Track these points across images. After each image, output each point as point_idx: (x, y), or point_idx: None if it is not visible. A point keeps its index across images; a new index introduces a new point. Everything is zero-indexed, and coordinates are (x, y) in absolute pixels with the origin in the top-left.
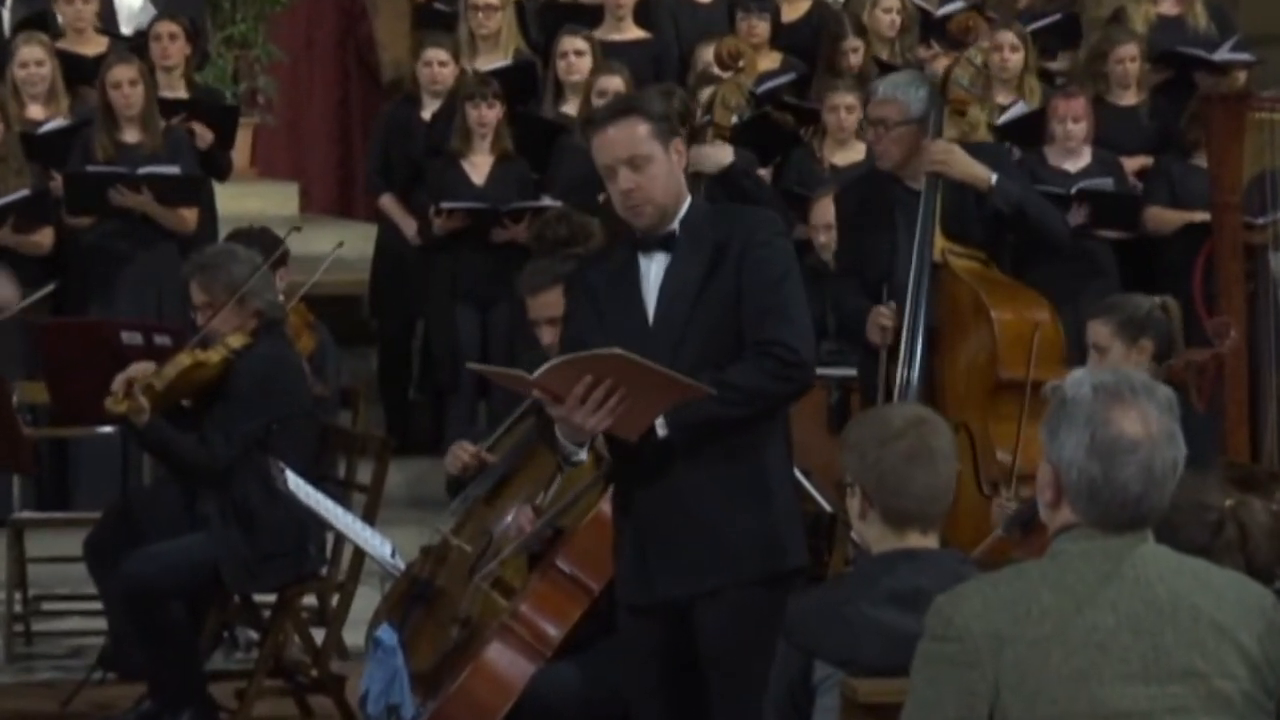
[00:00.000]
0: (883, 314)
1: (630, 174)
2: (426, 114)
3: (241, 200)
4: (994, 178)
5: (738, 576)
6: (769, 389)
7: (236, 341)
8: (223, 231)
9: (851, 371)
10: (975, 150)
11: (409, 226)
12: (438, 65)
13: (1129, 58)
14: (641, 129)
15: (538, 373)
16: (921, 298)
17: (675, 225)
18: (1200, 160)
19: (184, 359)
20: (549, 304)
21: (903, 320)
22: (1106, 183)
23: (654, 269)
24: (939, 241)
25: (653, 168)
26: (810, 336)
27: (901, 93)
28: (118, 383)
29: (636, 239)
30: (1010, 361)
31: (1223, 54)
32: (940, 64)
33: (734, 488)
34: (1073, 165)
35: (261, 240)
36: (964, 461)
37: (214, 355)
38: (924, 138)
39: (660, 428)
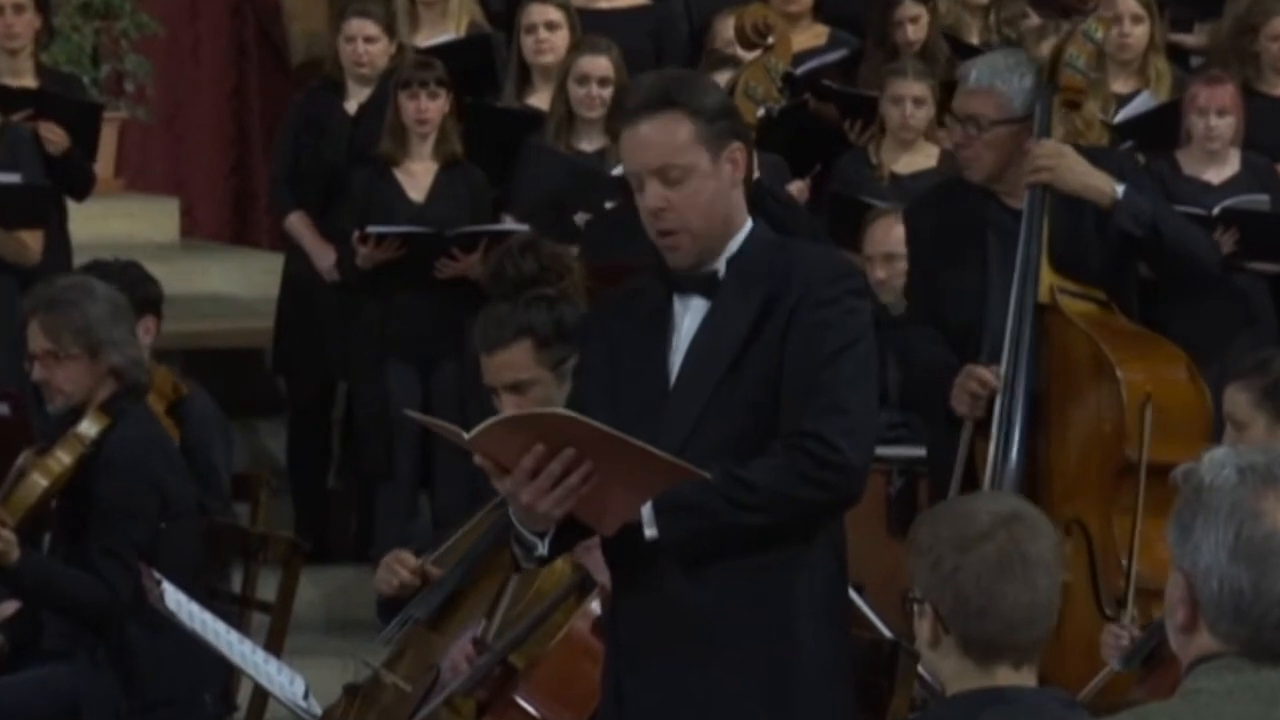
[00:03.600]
0: (982, 376)
1: (661, 189)
2: (351, 106)
3: (103, 221)
4: (1119, 190)
5: None
6: (795, 494)
7: (91, 430)
8: (78, 263)
9: (920, 451)
10: (1094, 155)
11: (325, 257)
12: (364, 42)
13: None
14: (684, 130)
15: (475, 431)
16: (1023, 352)
17: (720, 263)
18: None
19: (38, 480)
20: (510, 365)
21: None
22: (1260, 199)
23: (689, 318)
24: (1046, 276)
25: (693, 183)
26: (867, 434)
27: (1001, 81)
28: None
29: (671, 276)
30: (1142, 437)
31: None
32: (1046, 45)
33: (742, 621)
34: (1215, 175)
35: (125, 277)
36: (1078, 572)
37: (65, 457)
38: (1027, 140)
39: (648, 525)
